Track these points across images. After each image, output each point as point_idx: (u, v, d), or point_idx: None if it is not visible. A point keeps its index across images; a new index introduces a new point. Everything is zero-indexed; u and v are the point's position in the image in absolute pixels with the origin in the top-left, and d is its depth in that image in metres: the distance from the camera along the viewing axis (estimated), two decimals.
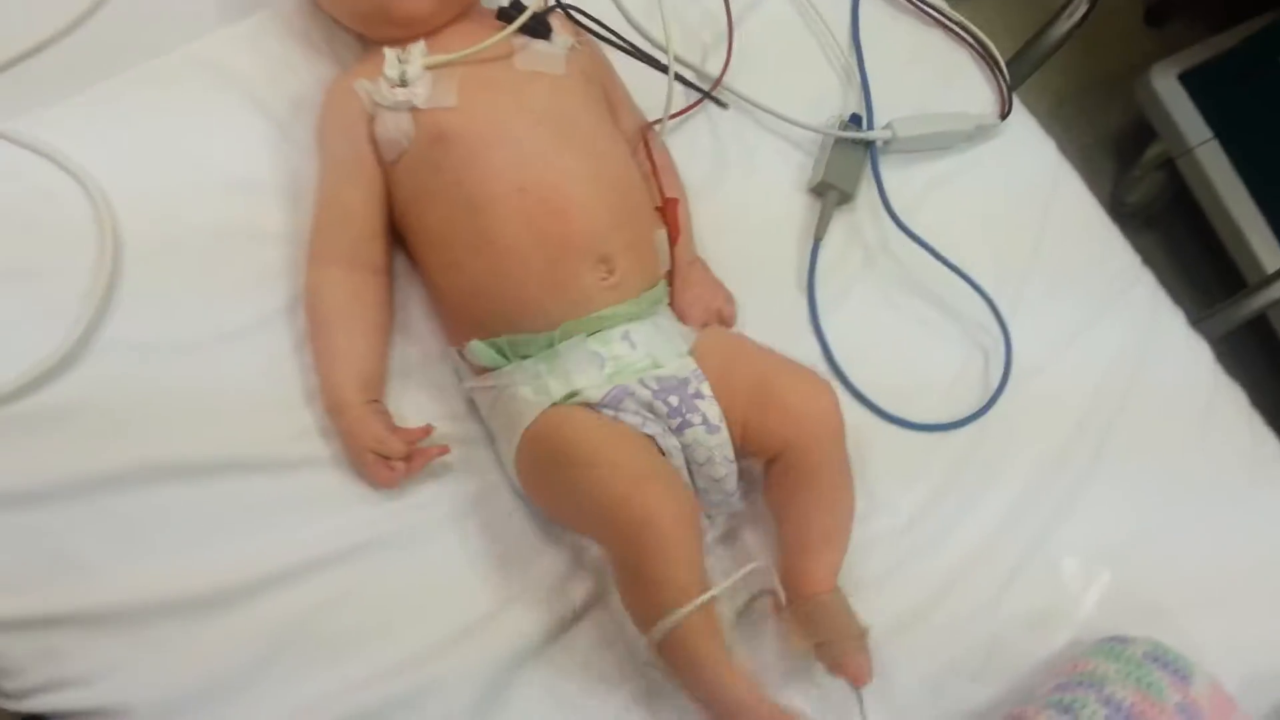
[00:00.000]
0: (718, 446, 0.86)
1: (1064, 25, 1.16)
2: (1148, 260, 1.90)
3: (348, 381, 0.87)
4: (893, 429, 1.00)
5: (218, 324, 0.89)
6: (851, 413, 0.99)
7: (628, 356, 0.87)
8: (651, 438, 0.85)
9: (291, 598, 0.84)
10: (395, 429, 0.87)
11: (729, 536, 0.93)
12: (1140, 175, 1.91)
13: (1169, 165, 1.83)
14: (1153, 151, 1.88)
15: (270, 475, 0.87)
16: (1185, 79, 1.80)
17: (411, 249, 0.92)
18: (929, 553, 0.97)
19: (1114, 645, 0.94)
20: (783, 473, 0.88)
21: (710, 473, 0.87)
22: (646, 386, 0.86)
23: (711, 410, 0.86)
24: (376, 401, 0.88)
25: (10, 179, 0.88)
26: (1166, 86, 1.80)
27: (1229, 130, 1.74)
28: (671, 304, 0.96)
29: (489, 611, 0.86)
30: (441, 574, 0.87)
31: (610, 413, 0.85)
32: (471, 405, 0.92)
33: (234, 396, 0.87)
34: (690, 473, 0.87)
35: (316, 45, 0.97)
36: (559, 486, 0.86)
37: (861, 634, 0.86)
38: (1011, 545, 0.99)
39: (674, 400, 0.86)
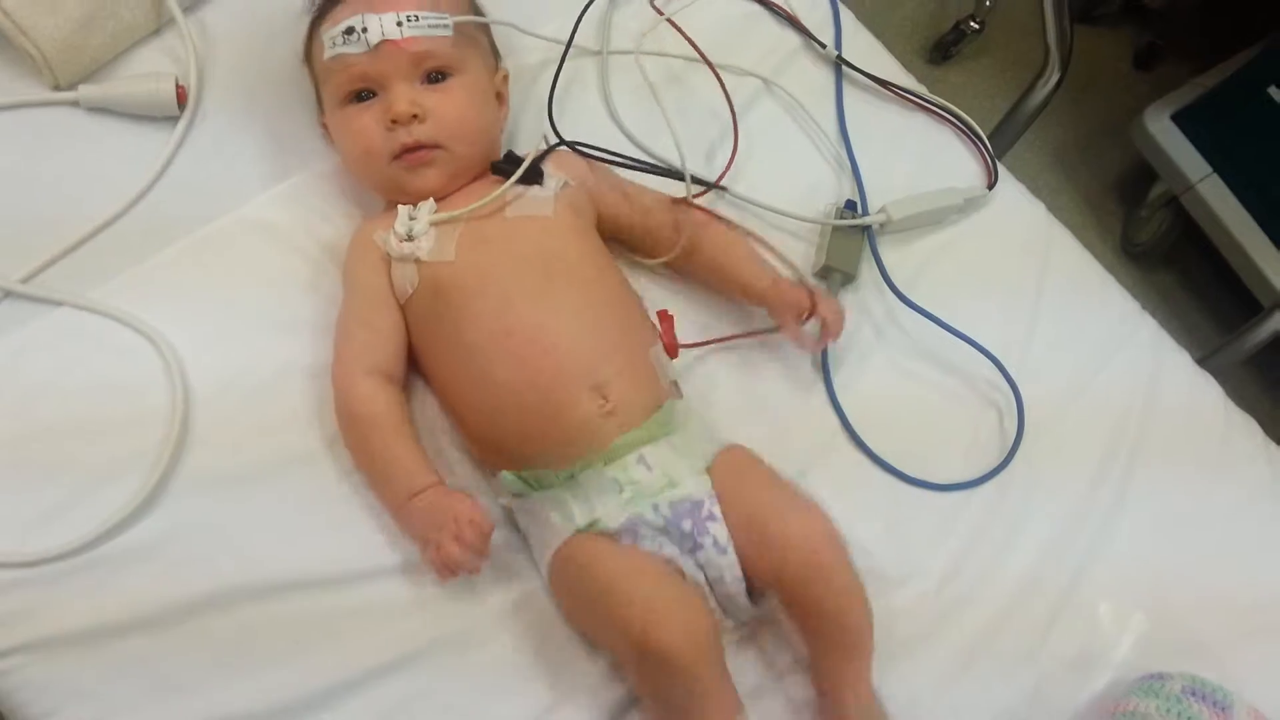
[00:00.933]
0: (728, 566, 0.90)
1: (1040, 93, 1.22)
2: (1167, 296, 1.95)
3: (419, 466, 0.93)
4: (918, 492, 1.05)
5: (280, 454, 0.96)
6: (877, 479, 1.05)
7: (644, 480, 0.92)
8: (670, 560, 0.90)
9: (362, 704, 0.89)
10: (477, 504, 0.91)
11: (748, 639, 0.96)
12: (1147, 215, 1.95)
13: (1174, 203, 1.87)
14: (1156, 191, 1.93)
15: (340, 589, 0.93)
16: (1178, 119, 1.85)
17: (430, 383, 0.99)
18: (964, 610, 1.00)
19: (1153, 683, 0.96)
20: (791, 603, 0.92)
21: (723, 590, 0.91)
22: (660, 514, 0.91)
23: (721, 532, 0.91)
24: None
25: (89, 344, 0.97)
26: (1161, 128, 1.85)
27: (1227, 164, 1.78)
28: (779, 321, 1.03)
29: (543, 710, 0.91)
30: (495, 676, 0.92)
31: (629, 540, 0.90)
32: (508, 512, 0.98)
33: (301, 518, 0.94)
34: (710, 587, 0.91)
35: (346, 200, 1.06)
36: (585, 617, 0.92)
37: None
38: (1044, 594, 1.02)
39: (686, 525, 0.91)
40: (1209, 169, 1.80)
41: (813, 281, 1.11)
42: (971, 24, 2.07)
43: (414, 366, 1.00)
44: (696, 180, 1.08)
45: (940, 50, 2.10)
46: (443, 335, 0.96)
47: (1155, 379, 1.14)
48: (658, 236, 1.05)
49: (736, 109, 1.16)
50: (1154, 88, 2.01)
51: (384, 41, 0.96)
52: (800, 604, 0.90)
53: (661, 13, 1.19)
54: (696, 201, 1.06)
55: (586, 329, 0.94)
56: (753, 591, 0.92)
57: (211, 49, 1.10)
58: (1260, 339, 1.22)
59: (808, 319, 1.02)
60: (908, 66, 1.27)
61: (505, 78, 1.08)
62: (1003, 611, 1.01)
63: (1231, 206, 1.78)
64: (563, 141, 1.06)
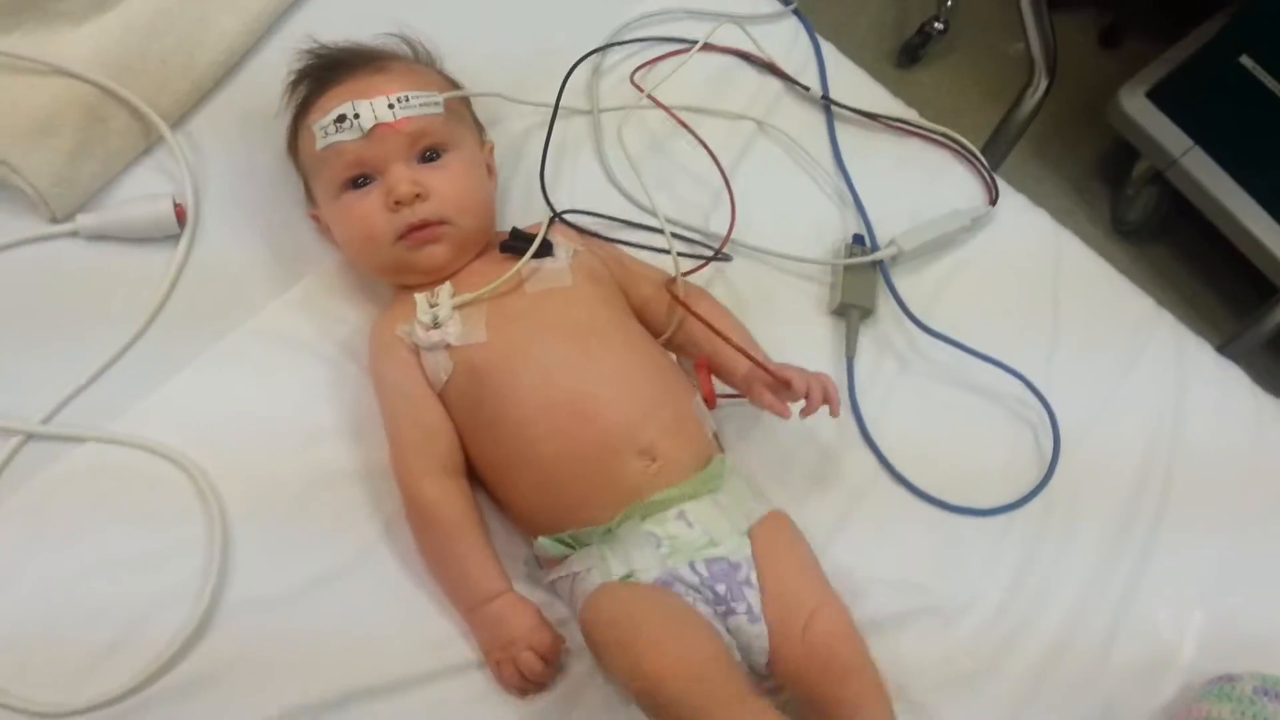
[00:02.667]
0: (757, 636, 0.87)
1: (1030, 102, 1.20)
2: (1164, 270, 1.94)
3: (492, 570, 0.90)
4: (966, 520, 1.02)
5: (324, 565, 0.92)
6: (923, 513, 1.02)
7: (684, 536, 0.89)
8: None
9: None
10: (542, 626, 0.89)
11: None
12: (1134, 194, 1.93)
13: (1159, 178, 1.86)
14: (1140, 168, 1.91)
15: (401, 694, 0.89)
16: (1154, 96, 1.83)
17: (471, 462, 0.96)
18: (1025, 634, 0.97)
19: (1223, 685, 0.94)
20: (811, 701, 0.87)
21: (751, 659, 0.88)
22: (696, 572, 0.88)
23: (756, 600, 0.87)
24: None
25: (118, 477, 0.93)
26: (1137, 106, 1.84)
27: (1208, 135, 1.76)
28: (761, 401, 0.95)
29: None
30: None
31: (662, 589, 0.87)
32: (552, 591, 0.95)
33: (356, 626, 0.91)
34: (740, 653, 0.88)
35: (356, 295, 1.04)
36: (607, 663, 0.86)
37: None
38: (1103, 605, 1.00)
39: (721, 588, 0.87)
40: (1190, 142, 1.78)
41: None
42: (935, 24, 2.05)
43: None
44: (691, 250, 1.06)
45: (908, 54, 2.09)
46: (483, 416, 0.93)
47: (1181, 374, 1.11)
48: (651, 310, 1.02)
49: (732, 156, 1.14)
50: (1123, 66, 1.99)
51: (378, 125, 0.93)
52: (820, 700, 0.86)
53: (641, 89, 1.16)
54: (692, 277, 1.03)
55: (627, 392, 0.92)
56: (774, 671, 0.88)
57: (203, 161, 1.07)
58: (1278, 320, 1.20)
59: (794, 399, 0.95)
60: (877, 73, 1.25)
61: (491, 149, 1.06)
62: (1063, 630, 0.98)
63: (1218, 176, 1.76)
64: (557, 215, 1.03)
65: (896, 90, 1.25)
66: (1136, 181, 1.92)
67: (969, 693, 0.94)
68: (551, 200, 1.05)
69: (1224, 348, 1.18)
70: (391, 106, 0.94)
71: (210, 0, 1.08)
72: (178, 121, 1.08)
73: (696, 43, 1.19)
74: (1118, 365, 1.11)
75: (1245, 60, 1.71)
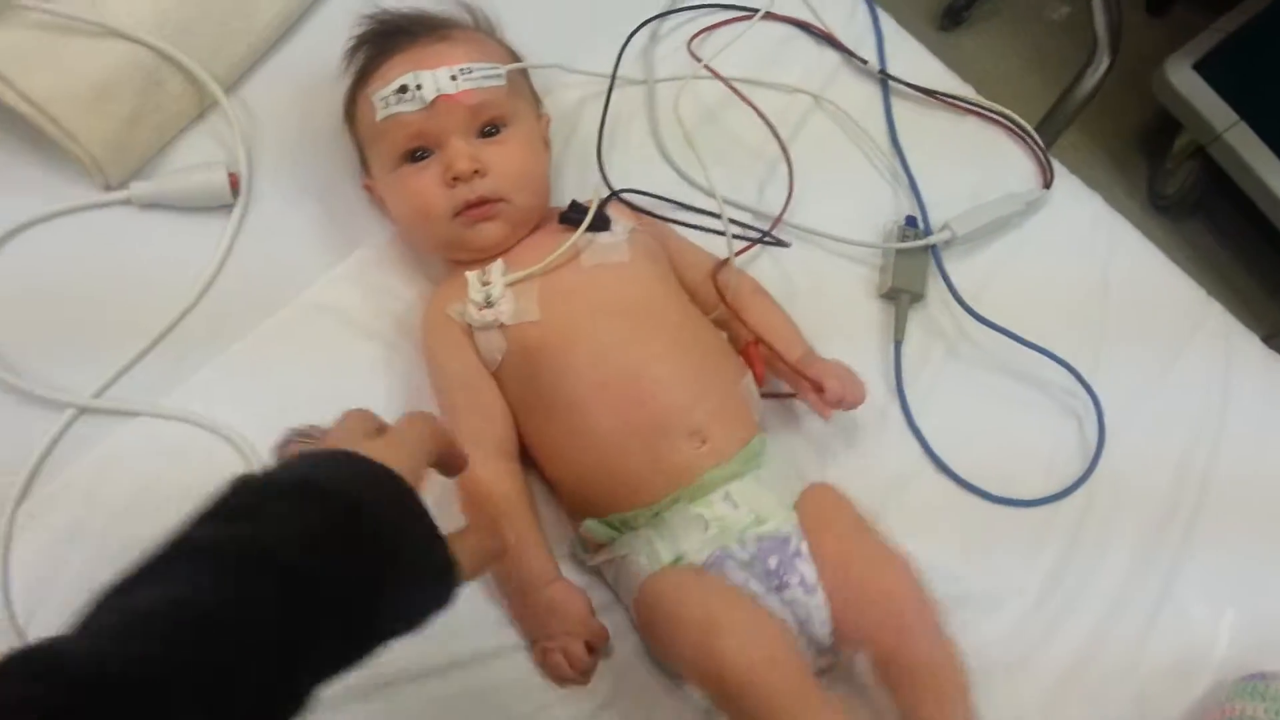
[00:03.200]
0: (816, 608, 0.87)
1: (1090, 82, 1.17)
2: (1199, 246, 1.91)
3: (543, 556, 0.90)
4: (1007, 510, 1.01)
5: None
6: (964, 502, 1.01)
7: (730, 516, 0.88)
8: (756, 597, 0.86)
9: None
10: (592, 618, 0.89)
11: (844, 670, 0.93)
12: (1173, 167, 1.90)
13: (1200, 152, 1.82)
14: (1181, 142, 1.87)
15: (448, 676, 0.89)
16: (1200, 68, 1.79)
17: (523, 441, 0.95)
18: (1064, 626, 0.97)
19: (1256, 684, 0.94)
20: (879, 663, 0.87)
21: (810, 632, 0.87)
22: (746, 548, 0.87)
23: (809, 571, 0.87)
24: None
25: (171, 453, 0.93)
26: (1183, 79, 1.79)
27: (1254, 110, 1.73)
28: (801, 396, 0.97)
29: None
30: None
31: (715, 573, 0.87)
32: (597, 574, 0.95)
33: None
34: (798, 628, 0.88)
35: (409, 269, 1.02)
36: (667, 649, 0.88)
37: None
38: (1140, 599, 0.99)
39: (773, 562, 0.87)
40: (1236, 117, 1.74)
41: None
42: None
43: None
44: (742, 231, 1.04)
45: (951, 17, 2.04)
46: (537, 395, 0.92)
47: (1228, 367, 1.09)
48: (701, 296, 1.00)
49: (787, 132, 1.12)
50: (1169, 34, 1.94)
51: (440, 97, 0.91)
52: (887, 660, 0.86)
53: (699, 58, 1.13)
54: (742, 257, 1.02)
55: (680, 372, 0.91)
56: (838, 638, 0.88)
57: (256, 128, 1.05)
58: None
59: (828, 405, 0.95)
60: (920, 36, 1.22)
61: (548, 122, 1.04)
62: (1101, 623, 0.98)
63: (1261, 153, 1.73)
64: (614, 193, 1.01)
65: (939, 54, 1.22)
66: (1177, 155, 1.88)
67: (1005, 683, 0.94)
68: (605, 174, 1.03)
69: (1270, 339, 1.16)
70: (454, 78, 0.92)
71: None
72: (233, 86, 1.05)
73: (754, 11, 1.16)
74: (1165, 356, 1.09)
75: None
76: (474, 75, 0.92)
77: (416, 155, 0.94)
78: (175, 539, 0.58)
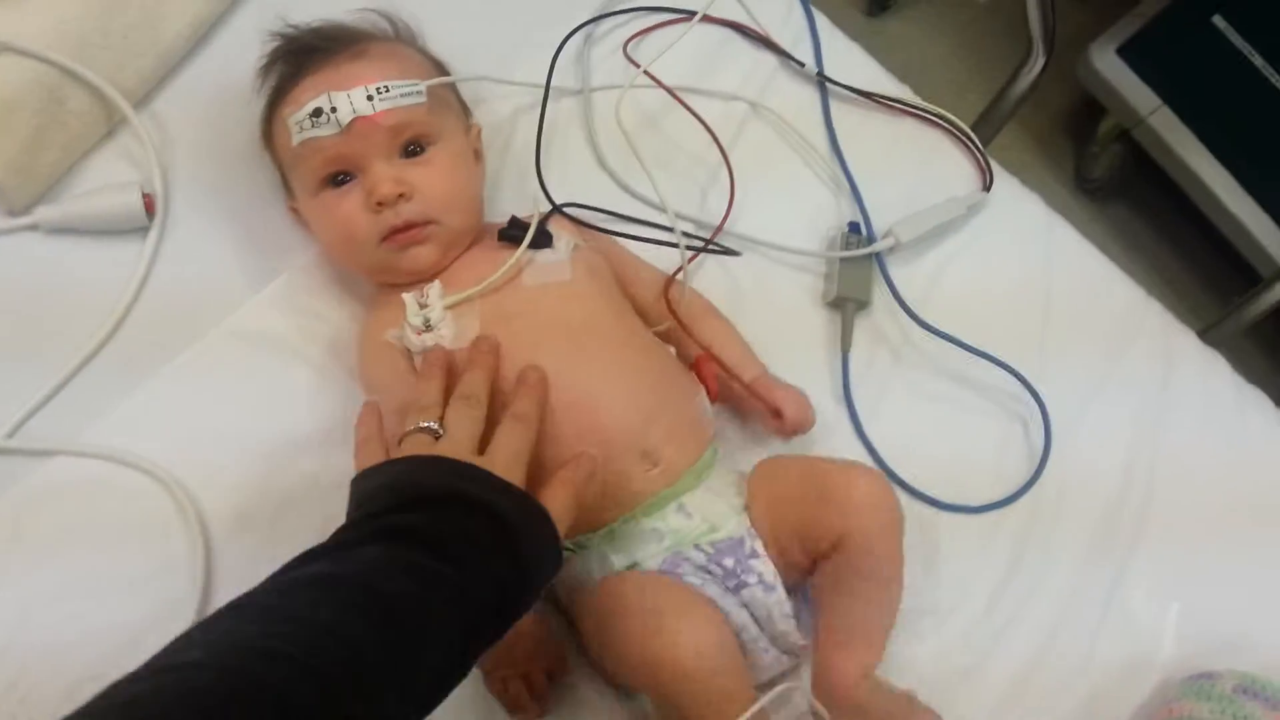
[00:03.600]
0: (775, 604, 0.85)
1: (1025, 80, 1.16)
2: (1125, 229, 1.93)
3: None
4: (958, 518, 1.00)
5: None
6: (913, 510, 0.99)
7: (685, 527, 0.86)
8: (712, 600, 0.84)
9: None
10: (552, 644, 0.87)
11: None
12: (1098, 151, 1.91)
13: (1125, 136, 1.83)
14: (1106, 125, 1.88)
15: None
16: (1124, 52, 1.79)
17: None
18: (1015, 629, 0.96)
19: (1202, 683, 0.94)
20: (833, 567, 0.86)
21: (772, 629, 0.86)
22: (702, 551, 0.85)
23: (766, 569, 0.86)
24: None
25: (93, 493, 0.88)
26: (1107, 63, 1.80)
27: (1177, 94, 1.74)
28: (750, 419, 0.96)
29: None
30: None
31: (670, 578, 0.84)
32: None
33: None
34: (759, 626, 0.87)
35: (338, 290, 0.97)
36: (609, 646, 0.84)
37: (911, 698, 0.86)
38: (1088, 601, 0.99)
39: (729, 562, 0.85)
40: (1159, 101, 1.75)
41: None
42: None
43: None
44: (690, 241, 1.01)
45: (878, 2, 2.02)
46: None
47: (1168, 366, 1.09)
48: (649, 314, 0.97)
49: (726, 139, 1.08)
50: (1092, 17, 1.95)
51: (356, 119, 0.86)
52: (847, 562, 0.85)
53: (637, 64, 1.09)
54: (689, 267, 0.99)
55: (628, 394, 0.87)
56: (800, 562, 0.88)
57: (171, 145, 0.99)
58: (1259, 310, 1.19)
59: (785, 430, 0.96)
60: (845, 22, 1.19)
61: (479, 133, 0.99)
62: (1050, 627, 0.97)
63: (1185, 137, 1.74)
64: (555, 208, 0.97)
65: (868, 40, 1.20)
66: (1102, 139, 1.89)
67: (959, 690, 0.93)
68: (545, 187, 1.00)
69: (1205, 333, 1.17)
70: (371, 98, 0.86)
71: None
72: (142, 101, 0.99)
73: (691, 13, 1.12)
74: (1108, 358, 1.09)
75: (1218, 20, 1.69)
76: (392, 94, 0.87)
77: (338, 179, 0.89)
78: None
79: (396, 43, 0.96)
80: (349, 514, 0.72)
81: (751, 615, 0.86)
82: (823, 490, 0.87)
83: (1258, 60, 1.64)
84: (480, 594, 0.66)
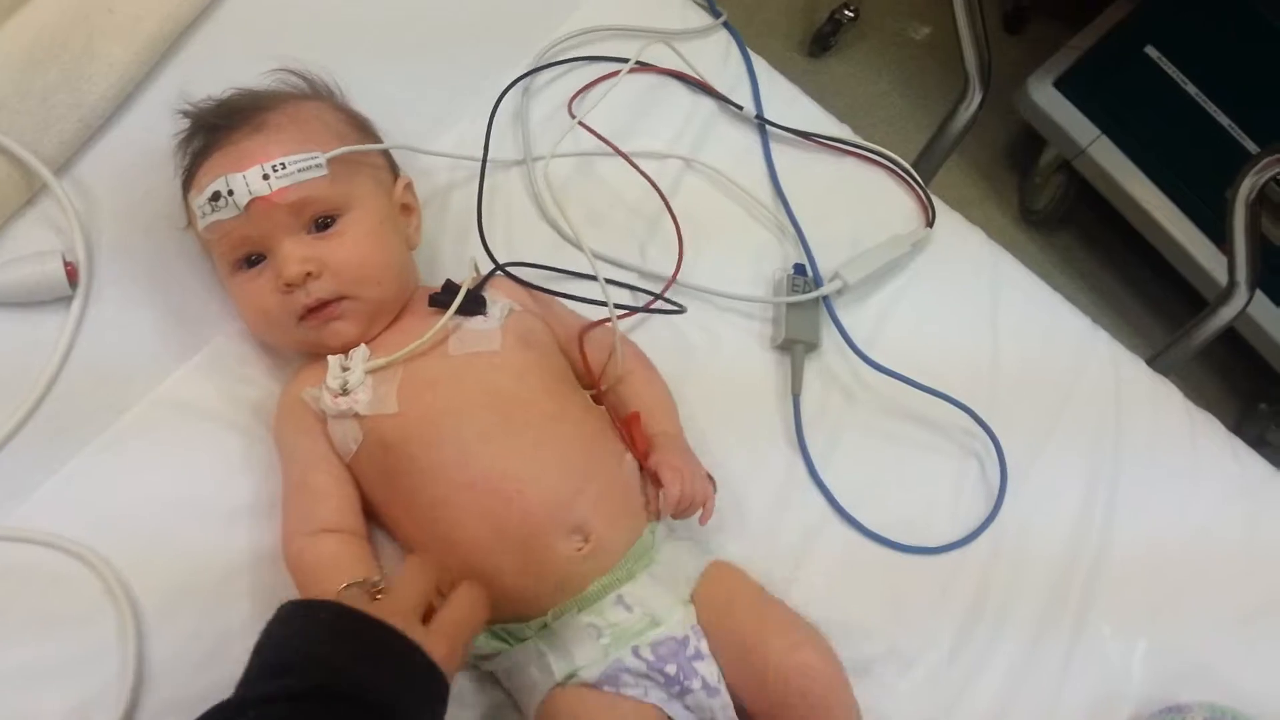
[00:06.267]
0: (720, 708, 0.81)
1: (963, 117, 1.14)
2: (1071, 258, 1.93)
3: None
4: (917, 559, 0.97)
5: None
6: (872, 553, 0.97)
7: (624, 622, 0.81)
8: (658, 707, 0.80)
9: None
10: None
11: None
12: (1041, 182, 1.91)
13: (1067, 166, 1.84)
14: (1047, 157, 1.89)
15: None
16: (1061, 85, 1.81)
17: (391, 535, 0.88)
18: (981, 672, 0.94)
19: (1172, 716, 0.92)
20: None
21: None
22: (641, 658, 0.80)
23: (710, 671, 0.81)
24: None
25: (16, 577, 0.82)
26: (1045, 96, 1.81)
27: (1115, 124, 1.75)
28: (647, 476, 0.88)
29: None
30: None
31: (611, 689, 0.80)
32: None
33: None
34: None
35: (268, 357, 0.93)
36: None
37: None
38: (1054, 640, 0.96)
39: (671, 669, 0.80)
40: (1097, 131, 1.77)
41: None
42: (846, 12, 1.99)
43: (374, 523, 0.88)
44: (633, 298, 0.99)
45: (819, 43, 2.02)
46: (397, 493, 0.83)
47: (1119, 395, 1.08)
48: (583, 366, 0.94)
49: (667, 184, 1.06)
50: (1027, 51, 1.97)
51: (254, 200, 0.82)
52: None
53: (574, 116, 1.07)
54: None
55: (554, 467, 0.82)
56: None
57: (93, 211, 0.94)
58: (1205, 336, 1.18)
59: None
60: (787, 65, 1.19)
61: (408, 186, 0.95)
62: (1018, 669, 0.94)
63: (1124, 166, 1.75)
64: (498, 267, 0.94)
65: (809, 81, 1.18)
66: (1044, 170, 1.90)
67: None
68: (488, 240, 0.96)
69: (1154, 360, 1.16)
70: (266, 177, 0.82)
71: (96, 27, 0.95)
72: (63, 166, 0.95)
73: (626, 62, 1.10)
74: (1059, 389, 1.07)
75: (1150, 50, 1.70)
76: (289, 170, 0.83)
77: (250, 260, 0.86)
78: None
79: (306, 104, 0.91)
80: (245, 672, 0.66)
81: (698, 718, 0.82)
82: (761, 676, 0.81)
83: (1190, 88, 1.65)
84: None
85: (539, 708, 0.80)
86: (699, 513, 0.87)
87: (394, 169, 0.96)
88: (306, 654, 0.65)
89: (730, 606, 0.85)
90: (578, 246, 0.99)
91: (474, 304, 0.88)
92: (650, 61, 1.13)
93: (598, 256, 1.00)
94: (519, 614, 0.81)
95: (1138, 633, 0.98)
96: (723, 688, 0.81)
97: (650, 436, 0.89)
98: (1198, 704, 0.92)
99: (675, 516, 0.86)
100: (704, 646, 0.82)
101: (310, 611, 0.68)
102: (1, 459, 0.86)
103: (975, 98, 1.13)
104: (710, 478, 0.90)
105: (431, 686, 0.66)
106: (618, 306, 0.92)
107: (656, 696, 0.80)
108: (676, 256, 1.02)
